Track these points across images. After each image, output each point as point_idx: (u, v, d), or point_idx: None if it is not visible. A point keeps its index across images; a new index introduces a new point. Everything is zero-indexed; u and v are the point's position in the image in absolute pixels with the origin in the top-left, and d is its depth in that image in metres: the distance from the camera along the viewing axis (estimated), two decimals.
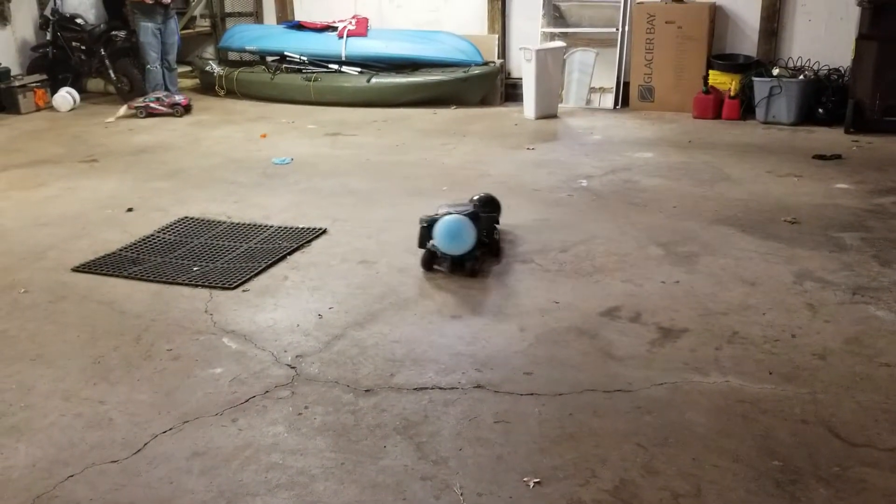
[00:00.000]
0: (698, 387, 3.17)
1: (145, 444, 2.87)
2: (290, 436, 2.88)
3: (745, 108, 7.98)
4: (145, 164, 6.71)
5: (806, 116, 7.72)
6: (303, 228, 5.01)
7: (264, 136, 7.64)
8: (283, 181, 6.13)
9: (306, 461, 2.75)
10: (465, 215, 4.29)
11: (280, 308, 3.92)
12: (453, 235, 4.20)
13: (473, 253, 4.24)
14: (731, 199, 5.51)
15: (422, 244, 4.37)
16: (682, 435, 2.85)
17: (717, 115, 8.07)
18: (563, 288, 4.10)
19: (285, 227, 5.04)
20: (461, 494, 2.56)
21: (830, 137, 7.23)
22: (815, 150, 6.72)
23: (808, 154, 6.62)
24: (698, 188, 5.77)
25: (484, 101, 9.07)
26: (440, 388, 3.17)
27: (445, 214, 4.31)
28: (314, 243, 4.80)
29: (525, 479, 2.64)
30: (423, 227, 4.36)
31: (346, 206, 5.48)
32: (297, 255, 4.62)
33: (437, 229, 4.22)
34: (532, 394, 3.13)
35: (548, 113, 8.36)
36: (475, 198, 4.77)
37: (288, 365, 3.36)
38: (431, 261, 4.32)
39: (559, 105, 8.63)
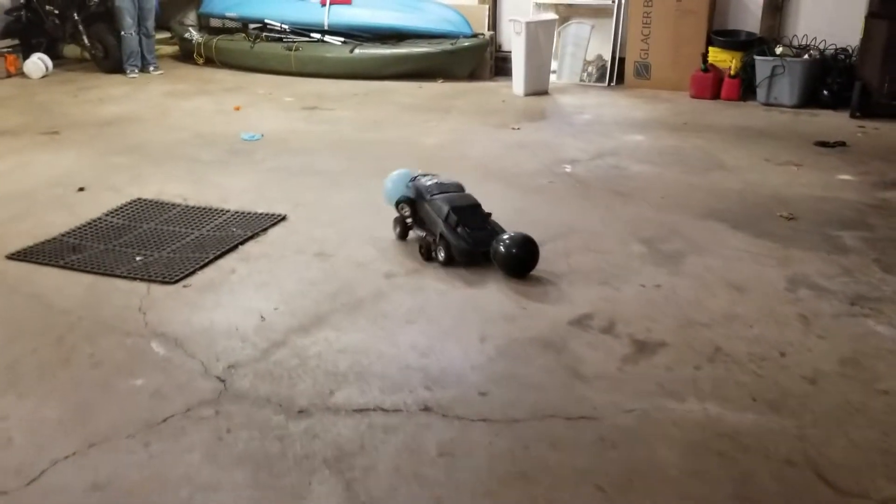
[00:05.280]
0: (672, 415, 2.83)
1: (42, 471, 2.53)
2: (206, 466, 2.55)
3: (746, 88, 7.58)
4: (108, 137, 6.34)
5: (809, 99, 7.32)
6: (261, 214, 4.65)
7: (238, 108, 7.25)
8: (249, 159, 5.75)
9: (218, 499, 2.42)
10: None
11: (220, 307, 3.57)
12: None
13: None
14: (725, 189, 5.14)
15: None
16: (649, 477, 2.52)
17: (716, 95, 7.66)
18: (534, 290, 3.75)
19: (242, 213, 4.68)
20: None
21: (835, 122, 6.84)
22: (818, 135, 6.33)
23: (809, 140, 6.23)
24: (690, 176, 5.39)
25: (472, 75, 8.66)
26: (383, 410, 2.83)
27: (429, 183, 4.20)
28: (271, 231, 4.44)
29: None
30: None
31: (311, 189, 5.11)
32: (250, 244, 4.26)
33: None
34: (484, 419, 2.79)
35: (538, 89, 7.95)
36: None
37: (217, 377, 3.02)
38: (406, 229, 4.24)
39: (551, 81, 8.21)
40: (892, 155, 5.87)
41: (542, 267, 3.95)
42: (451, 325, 3.44)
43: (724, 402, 2.89)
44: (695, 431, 2.74)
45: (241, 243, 4.24)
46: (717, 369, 3.11)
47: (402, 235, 4.27)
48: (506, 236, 3.89)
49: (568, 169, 5.54)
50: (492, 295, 3.70)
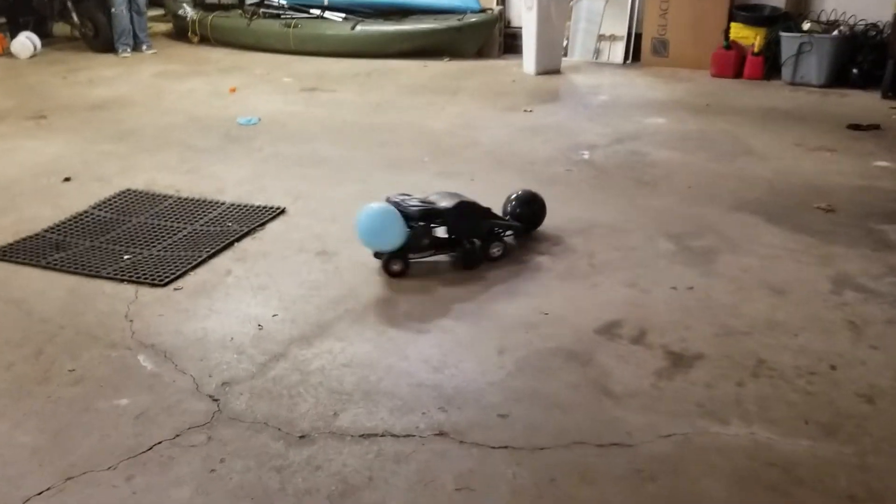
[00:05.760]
0: (715, 441, 2.53)
1: None
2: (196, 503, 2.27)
3: (770, 66, 7.20)
4: (98, 122, 6.01)
5: (838, 78, 6.95)
6: (258, 207, 4.34)
7: (233, 90, 6.91)
8: (246, 146, 5.43)
9: None
10: (441, 208, 3.61)
11: (214, 314, 3.27)
12: (374, 228, 3.52)
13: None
14: (755, 177, 4.81)
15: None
16: None
17: (738, 74, 7.30)
18: (554, 294, 3.44)
19: (239, 205, 4.37)
20: None
21: (866, 103, 6.48)
22: (850, 117, 5.98)
23: (841, 123, 5.88)
24: (716, 164, 5.06)
25: (480, 53, 8.30)
26: (393, 436, 2.54)
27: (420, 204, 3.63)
28: (269, 226, 4.13)
29: None
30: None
31: (312, 179, 4.80)
32: (246, 241, 3.96)
33: (358, 218, 3.54)
34: (505, 447, 2.49)
35: (550, 68, 7.59)
36: (513, 196, 4.01)
37: (210, 396, 2.73)
38: (389, 263, 3.58)
39: (563, 59, 7.84)
40: None
41: (562, 267, 3.65)
42: (466, 334, 3.14)
43: (773, 426, 2.60)
44: (742, 460, 2.45)
45: (238, 240, 3.94)
46: (763, 386, 2.81)
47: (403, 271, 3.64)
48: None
49: (586, 155, 5.21)
50: (510, 299, 3.40)
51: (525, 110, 6.32)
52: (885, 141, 5.49)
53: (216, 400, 2.70)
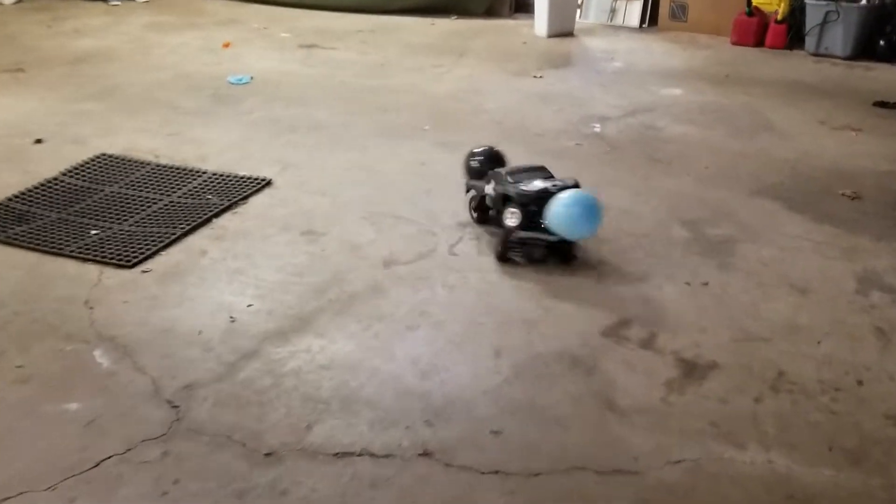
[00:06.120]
0: (730, 468, 2.27)
1: None
2: None
3: (793, 35, 6.80)
4: (78, 77, 5.67)
5: (864, 49, 6.55)
6: (242, 178, 4.03)
7: (227, 45, 6.55)
8: (235, 108, 5.10)
9: None
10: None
11: (184, 302, 2.99)
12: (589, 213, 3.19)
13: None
14: (776, 158, 4.48)
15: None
16: None
17: (760, 43, 6.91)
18: (557, 286, 3.15)
19: (221, 175, 4.06)
20: None
21: (893, 77, 6.12)
22: (876, 93, 5.63)
23: (867, 99, 5.53)
24: (736, 141, 4.73)
25: (490, 11, 7.90)
26: (371, 455, 2.27)
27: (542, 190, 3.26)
28: (252, 199, 3.83)
29: None
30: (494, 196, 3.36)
31: (304, 147, 4.48)
32: (226, 216, 3.67)
33: (565, 204, 3.15)
34: (496, 471, 2.23)
35: (562, 30, 7.20)
36: (476, 150, 3.71)
37: (169, 402, 2.46)
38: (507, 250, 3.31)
39: (576, 20, 7.44)
40: None
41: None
42: (460, 331, 2.86)
43: (794, 451, 2.33)
44: (759, 492, 2.19)
45: (216, 215, 3.65)
46: (782, 402, 2.54)
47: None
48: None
49: (597, 129, 4.88)
50: (509, 290, 3.12)
51: (535, 76, 5.96)
52: None
53: (176, 406, 2.44)
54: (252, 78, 5.65)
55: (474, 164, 3.66)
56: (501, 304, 3.03)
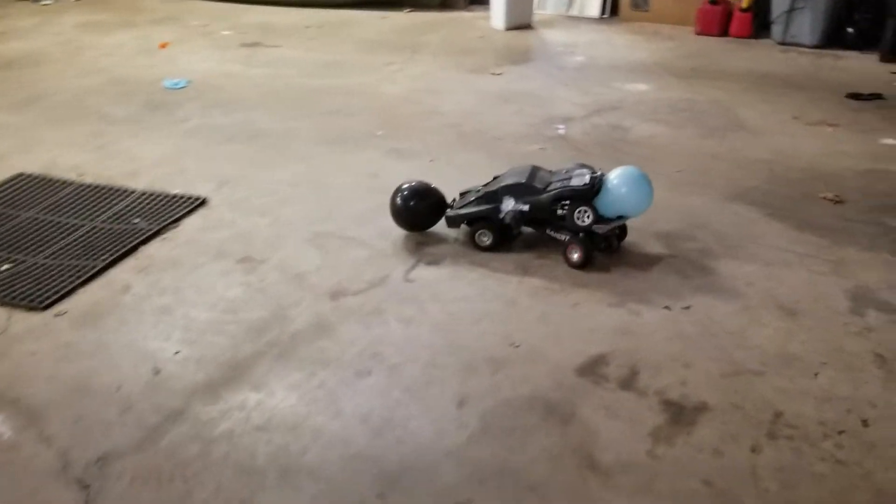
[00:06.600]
0: None
1: None
2: None
3: (759, 23, 6.56)
4: (1, 84, 5.20)
5: (832, 37, 6.33)
6: (174, 197, 3.65)
7: (164, 45, 6.11)
8: (170, 116, 4.69)
9: None
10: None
11: (102, 351, 2.62)
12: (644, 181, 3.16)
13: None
14: (751, 159, 4.22)
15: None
16: None
17: (725, 32, 6.66)
18: (526, 316, 2.84)
19: (151, 194, 3.68)
20: None
21: (863, 66, 5.90)
22: (848, 85, 5.40)
23: (839, 90, 5.30)
24: (707, 141, 4.46)
25: (445, 3, 7.56)
26: None
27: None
28: (185, 221, 3.46)
29: None
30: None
31: (244, 158, 4.11)
32: (155, 243, 3.29)
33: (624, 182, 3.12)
34: None
35: (521, 22, 6.88)
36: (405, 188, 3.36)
37: (79, 481, 2.10)
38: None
39: (534, 11, 7.13)
40: None
41: (535, 279, 3.04)
42: (418, 376, 2.53)
43: None
44: None
45: (143, 242, 3.26)
46: (782, 451, 2.25)
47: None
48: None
49: (561, 130, 4.57)
50: (472, 323, 2.79)
51: (493, 73, 5.64)
52: (889, 113, 4.92)
53: (86, 487, 2.07)
54: (190, 81, 5.25)
55: (415, 204, 3.29)
56: (464, 341, 2.71)
